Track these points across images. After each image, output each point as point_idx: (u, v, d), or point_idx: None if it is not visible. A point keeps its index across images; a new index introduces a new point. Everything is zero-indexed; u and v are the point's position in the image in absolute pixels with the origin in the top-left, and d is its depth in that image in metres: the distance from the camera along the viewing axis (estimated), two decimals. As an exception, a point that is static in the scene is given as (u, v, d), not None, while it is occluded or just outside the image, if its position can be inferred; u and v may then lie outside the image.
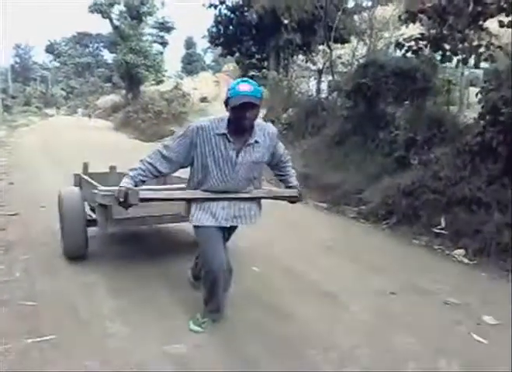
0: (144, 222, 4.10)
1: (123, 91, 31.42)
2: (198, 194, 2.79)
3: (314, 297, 3.51)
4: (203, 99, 24.94)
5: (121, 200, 2.55)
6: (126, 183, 2.62)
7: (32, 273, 3.91)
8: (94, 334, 2.90)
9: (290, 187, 3.07)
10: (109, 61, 43.73)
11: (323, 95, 11.39)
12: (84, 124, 26.80)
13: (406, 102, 7.88)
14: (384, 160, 7.14)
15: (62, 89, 50.56)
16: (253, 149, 2.73)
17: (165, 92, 22.48)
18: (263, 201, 3.04)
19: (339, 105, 10.27)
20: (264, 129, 2.78)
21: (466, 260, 4.59)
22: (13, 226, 5.42)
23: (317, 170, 8.56)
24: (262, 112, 14.34)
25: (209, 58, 49.73)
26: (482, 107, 5.34)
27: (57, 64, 57.47)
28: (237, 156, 2.70)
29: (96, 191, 3.64)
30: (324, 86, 12.01)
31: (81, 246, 4.05)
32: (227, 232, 2.97)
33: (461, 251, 4.79)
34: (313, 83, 13.41)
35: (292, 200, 3.07)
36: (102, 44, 55.14)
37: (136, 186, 2.64)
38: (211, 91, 27.16)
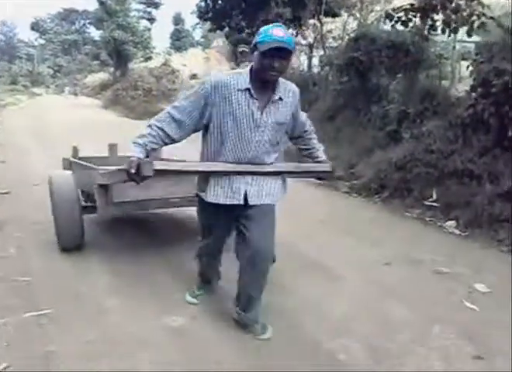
0: (148, 206, 3.68)
1: (111, 69, 30.94)
2: (221, 166, 2.39)
3: (309, 270, 3.55)
4: (193, 76, 24.56)
5: (132, 171, 2.14)
6: (135, 152, 2.25)
7: (27, 250, 3.90)
8: (91, 308, 2.91)
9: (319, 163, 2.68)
10: (96, 38, 42.90)
11: (315, 70, 11.28)
12: (72, 103, 26.44)
13: (399, 75, 7.84)
14: (376, 134, 7.15)
15: (49, 67, 49.63)
16: (277, 108, 2.38)
17: (154, 69, 22.19)
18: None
19: (331, 80, 10.22)
20: (285, 86, 2.41)
21: (458, 232, 4.65)
22: (5, 204, 5.39)
23: (309, 145, 8.55)
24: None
25: (198, 34, 48.77)
26: (474, 79, 5.33)
27: (43, 42, 56.35)
28: (261, 115, 2.33)
29: (95, 171, 3.30)
30: (315, 61, 11.91)
31: (77, 236, 3.72)
32: (250, 211, 2.46)
33: (453, 222, 4.85)
34: (303, 58, 13.28)
35: (323, 176, 2.82)
36: (88, 21, 54.03)
37: (147, 156, 2.28)
38: (201, 67, 26.80)
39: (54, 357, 2.37)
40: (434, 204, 5.22)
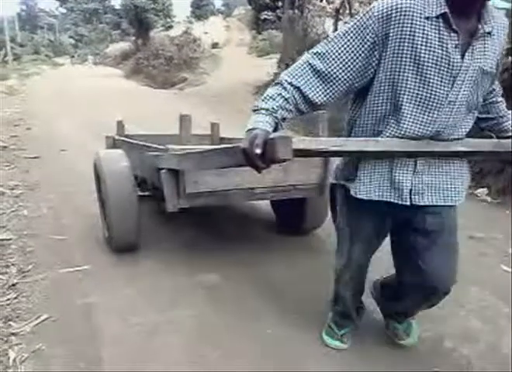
0: (230, 198, 2.75)
1: (132, 38, 30.76)
2: (394, 143, 1.56)
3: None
4: (214, 45, 24.35)
5: (257, 152, 1.32)
6: (258, 123, 1.43)
7: (59, 210, 3.97)
8: (127, 265, 2.95)
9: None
10: (117, 7, 42.52)
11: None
12: (94, 72, 26.47)
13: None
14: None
15: (70, 37, 49.58)
16: (484, 48, 1.52)
17: (175, 38, 21.96)
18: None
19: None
20: (493, 15, 1.52)
21: (489, 199, 4.56)
22: (36, 168, 5.47)
23: (335, 113, 8.41)
24: (276, 56, 14.02)
25: (218, 2, 48.08)
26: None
27: (64, 11, 56.12)
28: (461, 58, 1.48)
29: (164, 152, 2.56)
30: (340, 26, 11.61)
31: (133, 233, 2.98)
32: (420, 219, 1.72)
33: (485, 190, 4.75)
34: (328, 24, 12.95)
35: None
36: (109, -12, 53.45)
37: (276, 129, 1.48)
38: (222, 36, 26.47)
39: (92, 309, 2.43)
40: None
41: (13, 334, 2.21)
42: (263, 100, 1.52)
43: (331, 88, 1.55)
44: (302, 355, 2.07)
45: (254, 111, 1.51)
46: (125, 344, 2.14)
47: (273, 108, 1.48)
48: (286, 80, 1.54)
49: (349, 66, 1.52)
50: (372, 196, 1.66)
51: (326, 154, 1.78)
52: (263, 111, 1.47)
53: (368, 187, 1.66)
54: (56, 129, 8.25)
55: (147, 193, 3.28)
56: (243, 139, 1.39)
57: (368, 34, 1.47)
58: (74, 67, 31.19)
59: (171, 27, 30.43)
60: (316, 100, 1.55)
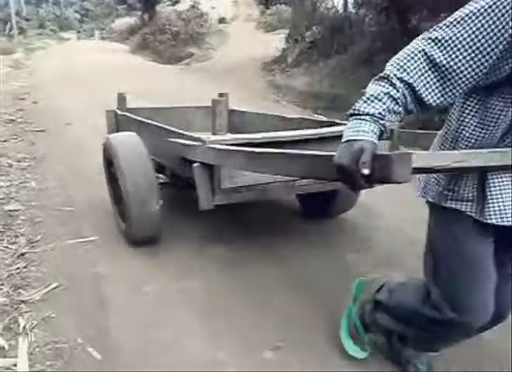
0: (269, 193, 2.48)
1: (139, 13, 30.36)
2: None
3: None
4: (221, 20, 23.98)
5: (365, 173, 1.07)
6: (364, 133, 1.15)
7: (67, 182, 3.96)
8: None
9: None
10: (123, -19, 41.84)
11: (351, 11, 10.79)
12: (100, 47, 26.23)
13: (443, 15, 7.42)
14: (416, 77, 6.87)
15: (76, 11, 49.00)
16: None
17: (182, 12, 21.62)
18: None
19: (367, 22, 9.78)
20: None
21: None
22: (42, 141, 5.46)
23: (344, 90, 8.32)
24: (284, 31, 13.79)
25: (226, -23, 47.13)
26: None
27: (69, -15, 55.32)
28: None
29: (200, 144, 2.23)
30: (351, 0, 11.34)
31: (156, 226, 2.74)
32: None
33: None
34: (339, -1, 12.69)
35: None
36: (114, -39, 52.53)
37: (381, 134, 1.20)
38: (229, 11, 26.05)
39: (101, 278, 2.44)
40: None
41: (23, 302, 2.23)
42: (366, 101, 1.19)
43: (451, 87, 1.22)
44: (311, 329, 2.07)
45: (354, 115, 1.19)
46: (133, 312, 2.15)
47: (380, 114, 1.17)
48: (395, 75, 1.21)
49: (480, 59, 1.18)
50: (504, 220, 1.32)
51: (444, 171, 1.35)
52: (367, 118, 1.17)
53: (502, 209, 1.32)
54: (62, 103, 8.20)
55: (162, 180, 3.03)
56: (339, 150, 1.14)
57: (501, 18, 1.13)
58: (80, 42, 30.89)
59: (177, 2, 29.92)
60: (431, 100, 1.23)
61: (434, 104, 1.23)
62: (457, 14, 1.19)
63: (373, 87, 1.21)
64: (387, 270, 2.47)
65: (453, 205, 1.39)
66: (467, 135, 1.34)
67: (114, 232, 2.97)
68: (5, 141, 5.30)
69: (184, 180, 2.68)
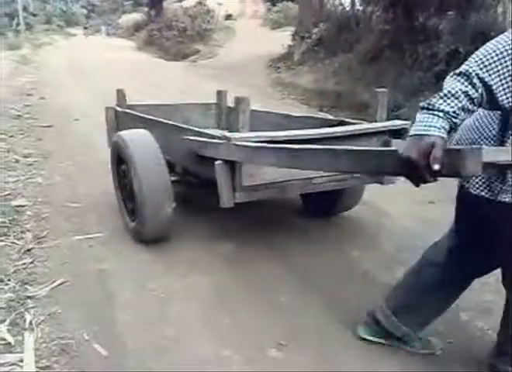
0: (289, 189, 2.49)
1: (145, 9, 30.35)
2: None
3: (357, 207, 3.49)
4: (228, 16, 23.94)
5: (436, 168, 1.09)
6: (435, 129, 1.16)
7: (73, 178, 3.98)
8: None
9: None
10: (129, -23, 41.80)
11: (358, 8, 10.74)
12: (106, 44, 26.27)
13: (450, 13, 7.38)
14: (423, 75, 6.84)
15: (82, 7, 49.01)
16: None
17: (189, 8, 21.59)
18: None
19: (375, 19, 9.72)
20: None
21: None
22: (49, 137, 5.48)
23: (350, 88, 8.31)
24: (290, 29, 13.74)
25: (232, -27, 47.00)
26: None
27: (76, -20, 55.36)
28: None
29: (224, 141, 2.22)
30: (359, -2, 11.30)
31: (168, 225, 2.74)
32: None
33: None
34: (346, -4, 12.62)
35: None
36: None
37: (450, 131, 1.21)
38: (236, 7, 26.00)
39: (107, 275, 2.45)
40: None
41: (29, 297, 2.24)
42: (442, 97, 1.18)
43: None
44: (316, 327, 2.07)
45: (427, 109, 1.19)
46: (139, 308, 2.16)
47: (454, 113, 1.17)
48: (477, 74, 1.19)
49: None
50: None
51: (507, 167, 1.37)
52: (441, 114, 1.17)
53: None
54: (69, 99, 8.21)
55: (173, 178, 2.89)
56: (408, 143, 1.16)
57: None
58: (86, 38, 30.92)
59: (184, -2, 29.94)
60: (506, 104, 1.22)
61: (507, 106, 1.23)
62: None
63: (452, 83, 1.20)
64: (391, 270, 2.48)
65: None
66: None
67: (120, 229, 2.98)
68: (11, 136, 5.32)
69: (197, 178, 2.66)
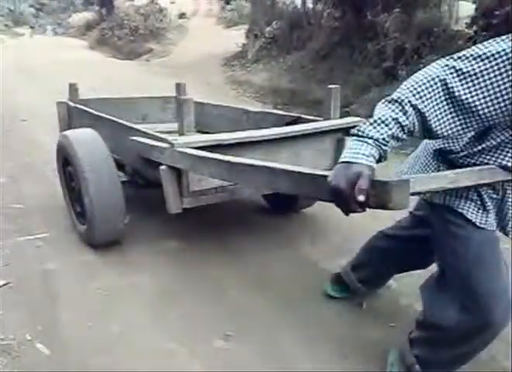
0: (242, 192, 2.38)
1: (96, 8, 29.70)
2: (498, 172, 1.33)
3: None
4: (181, 15, 23.75)
5: (360, 200, 1.05)
6: (363, 156, 1.10)
7: (18, 179, 3.86)
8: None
9: None
10: (79, -26, 40.79)
11: (309, 7, 10.88)
12: (57, 43, 25.55)
13: (396, 10, 7.60)
14: (372, 71, 7.01)
15: (31, 6, 47.46)
16: None
17: (141, 7, 21.29)
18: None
19: (325, 16, 9.89)
20: None
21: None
22: (-6, 138, 5.29)
23: (303, 85, 8.41)
24: (244, 27, 13.78)
25: (186, -28, 46.64)
26: (476, 9, 5.19)
27: (23, -22, 53.54)
28: None
29: (168, 147, 2.08)
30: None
31: (120, 227, 2.61)
32: None
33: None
34: (297, -6, 12.76)
35: None
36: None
37: (379, 159, 1.15)
38: (189, 6, 25.83)
39: (53, 275, 2.40)
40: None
41: (-31, 300, 2.17)
42: (372, 124, 1.14)
43: (463, 121, 1.18)
44: (263, 319, 2.10)
45: (357, 135, 1.14)
46: (83, 307, 2.13)
47: (384, 140, 1.12)
48: (410, 101, 1.14)
49: (500, 102, 1.14)
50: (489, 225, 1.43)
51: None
52: (370, 141, 1.12)
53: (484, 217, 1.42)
54: (16, 100, 7.95)
55: (123, 178, 2.86)
56: (336, 171, 1.10)
57: None
58: (35, 38, 29.97)
59: (136, -4, 29.47)
60: (439, 131, 1.19)
61: (441, 135, 1.20)
62: (483, 49, 1.15)
63: (382, 110, 1.16)
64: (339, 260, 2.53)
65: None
66: (456, 153, 1.38)
67: (66, 229, 2.92)
68: (-47, 139, 5.11)
69: (146, 180, 2.61)
